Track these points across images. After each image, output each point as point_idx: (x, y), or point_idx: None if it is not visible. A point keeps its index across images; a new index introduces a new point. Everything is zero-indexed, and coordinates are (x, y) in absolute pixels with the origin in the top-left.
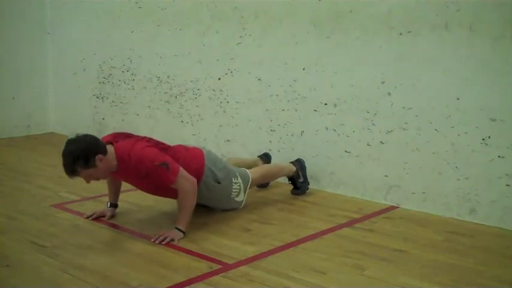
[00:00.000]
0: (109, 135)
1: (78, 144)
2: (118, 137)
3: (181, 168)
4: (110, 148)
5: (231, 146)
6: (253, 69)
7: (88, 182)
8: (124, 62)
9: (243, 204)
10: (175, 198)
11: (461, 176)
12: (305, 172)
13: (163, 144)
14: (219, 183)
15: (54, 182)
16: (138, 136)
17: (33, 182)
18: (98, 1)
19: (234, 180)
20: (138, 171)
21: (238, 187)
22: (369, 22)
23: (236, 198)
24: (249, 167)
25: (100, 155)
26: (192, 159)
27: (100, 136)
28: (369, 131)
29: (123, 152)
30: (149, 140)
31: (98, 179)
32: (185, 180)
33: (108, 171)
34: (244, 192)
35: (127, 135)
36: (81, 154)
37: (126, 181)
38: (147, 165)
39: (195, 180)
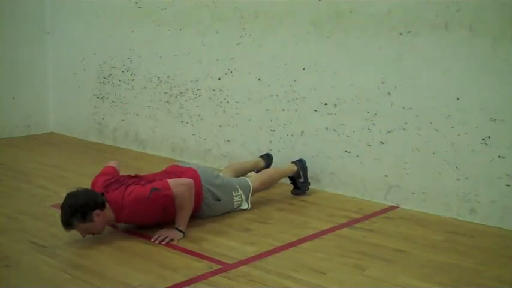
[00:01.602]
0: (99, 182)
1: (77, 199)
2: (108, 187)
3: (169, 180)
4: (107, 202)
5: (231, 146)
6: (253, 69)
7: (84, 236)
8: (124, 62)
9: (249, 208)
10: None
11: (461, 176)
12: (306, 172)
13: (152, 175)
14: (219, 200)
15: (54, 182)
16: (126, 178)
17: (33, 182)
18: (98, 1)
19: (234, 194)
20: (137, 213)
21: (240, 199)
22: (369, 22)
23: (240, 208)
24: (252, 169)
25: (98, 211)
26: None
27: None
28: (369, 131)
29: (116, 203)
30: (139, 180)
31: (93, 233)
32: (179, 185)
33: (105, 225)
34: (247, 201)
35: (116, 183)
36: (79, 209)
37: (131, 223)
38: (143, 203)
39: (190, 180)
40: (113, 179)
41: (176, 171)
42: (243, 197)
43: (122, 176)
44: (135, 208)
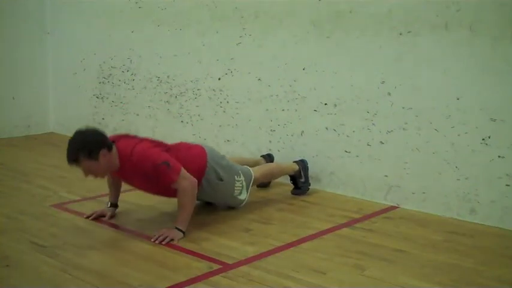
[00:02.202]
0: (112, 135)
1: (86, 135)
2: (121, 137)
3: (182, 169)
4: (114, 149)
5: (231, 146)
6: (253, 69)
7: (86, 175)
8: (124, 62)
9: (245, 201)
10: (175, 197)
11: (461, 176)
12: (307, 173)
13: (165, 144)
14: (221, 180)
15: (54, 182)
16: (141, 137)
17: (33, 182)
18: (98, 1)
19: (236, 178)
20: (139, 171)
21: (241, 185)
22: (369, 22)
23: (239, 196)
24: (251, 167)
25: (104, 150)
26: (195, 158)
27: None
28: (369, 131)
29: (126, 151)
30: (152, 141)
31: (96, 175)
32: (186, 180)
33: (108, 169)
34: (247, 190)
35: (130, 136)
36: (86, 145)
37: (126, 181)
38: (149, 165)
39: (195, 180)
40: (126, 135)
41: (184, 145)
42: (244, 184)
43: (136, 136)
44: (140, 164)
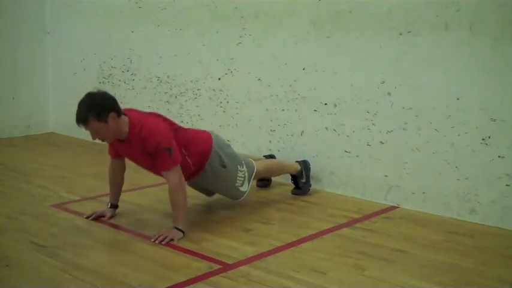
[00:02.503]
0: (126, 108)
1: (97, 96)
2: (134, 110)
3: (179, 164)
4: (124, 117)
5: (231, 146)
6: (253, 69)
7: (94, 138)
8: (124, 62)
9: (246, 194)
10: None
11: (461, 176)
12: (309, 173)
13: (175, 124)
14: (224, 167)
15: (54, 182)
16: (154, 113)
17: (33, 182)
18: (98, 1)
19: (239, 168)
20: (144, 146)
21: (243, 175)
22: (369, 22)
23: (240, 188)
24: None
25: (114, 113)
26: (200, 140)
27: None
28: (369, 131)
29: (137, 121)
30: (165, 119)
31: (103, 139)
32: (176, 174)
33: (116, 134)
34: (249, 182)
35: (144, 112)
36: (96, 105)
37: (128, 154)
38: (154, 143)
39: (183, 179)
40: (137, 110)
41: (192, 130)
42: (247, 174)
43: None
44: (147, 138)
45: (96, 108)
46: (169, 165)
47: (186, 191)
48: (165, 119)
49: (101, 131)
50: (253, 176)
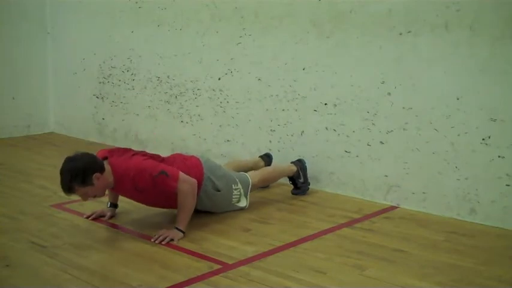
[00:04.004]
0: (104, 150)
1: (76, 163)
2: (113, 153)
3: (180, 172)
4: (105, 165)
5: (231, 146)
6: (253, 69)
7: (85, 200)
8: (124, 62)
9: (246, 207)
10: (175, 207)
11: (461, 176)
12: (306, 172)
13: (158, 156)
14: (218, 191)
15: (54, 182)
16: (133, 150)
17: (33, 182)
18: (98, 1)
19: (234, 187)
20: (136, 185)
21: (239, 193)
22: (369, 22)
23: (238, 204)
24: (251, 169)
25: (97, 173)
26: (190, 170)
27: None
28: (368, 131)
29: (120, 168)
30: (144, 154)
31: (94, 196)
32: (185, 183)
33: (105, 189)
34: (246, 197)
35: (123, 151)
36: (78, 172)
37: (125, 196)
38: (146, 178)
39: (195, 181)
40: (118, 149)
41: (180, 157)
42: (242, 191)
43: (128, 149)
44: (136, 178)
45: (79, 175)
46: (173, 183)
47: (196, 196)
48: (145, 154)
49: (89, 193)
50: (249, 190)
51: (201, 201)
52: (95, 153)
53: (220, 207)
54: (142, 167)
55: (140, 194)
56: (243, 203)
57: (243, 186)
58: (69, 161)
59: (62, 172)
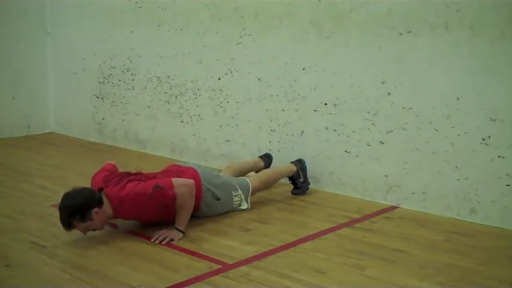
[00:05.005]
0: (98, 177)
1: (74, 200)
2: (108, 182)
3: (172, 179)
4: (105, 201)
5: (231, 146)
6: (253, 69)
7: (85, 234)
8: (124, 62)
9: (248, 209)
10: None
11: (461, 176)
12: (305, 172)
13: (153, 173)
14: (218, 200)
15: (54, 182)
16: (126, 174)
17: (33, 182)
18: (98, 1)
19: (234, 193)
20: (136, 209)
21: (239, 199)
22: (369, 22)
23: (239, 208)
24: (251, 169)
25: (96, 209)
26: None
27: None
28: (368, 131)
29: (116, 199)
30: (139, 178)
31: (95, 229)
32: (181, 186)
33: (105, 222)
34: (247, 201)
35: (118, 179)
36: (77, 209)
37: (127, 219)
38: (144, 200)
39: (191, 181)
40: (113, 174)
41: (176, 170)
42: (243, 196)
43: (122, 172)
44: (135, 203)
45: (78, 212)
46: (169, 192)
47: (194, 197)
48: (140, 177)
49: (89, 227)
50: (249, 195)
51: (203, 212)
52: (89, 187)
53: (222, 213)
54: (137, 192)
55: (141, 214)
56: (244, 206)
57: (243, 192)
58: (67, 198)
59: (61, 209)
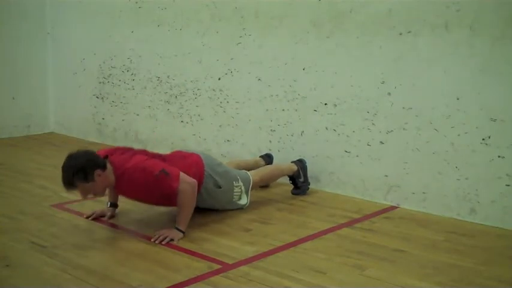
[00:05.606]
0: (105, 149)
1: (78, 159)
2: (114, 152)
3: (181, 172)
4: (109, 167)
5: (231, 146)
6: (253, 69)
7: (84, 197)
8: (124, 62)
9: (246, 205)
10: (173, 205)
11: (461, 176)
12: (306, 172)
13: (160, 155)
14: (219, 187)
15: (54, 182)
16: (134, 149)
17: (33, 182)
18: (98, 1)
19: (235, 184)
20: (137, 184)
21: (240, 190)
22: (369, 22)
23: (238, 202)
24: (251, 168)
25: (99, 170)
26: (191, 167)
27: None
28: (369, 131)
29: (121, 166)
30: (146, 153)
31: (95, 194)
32: (186, 183)
33: (106, 187)
34: (247, 195)
35: (124, 150)
36: (81, 168)
37: (123, 194)
38: (147, 177)
39: (195, 181)
40: (120, 148)
41: (180, 155)
42: (243, 188)
43: (130, 148)
44: (137, 177)
45: (81, 171)
46: (174, 183)
47: (196, 196)
48: (147, 153)
49: (90, 190)
50: (250, 188)
51: (202, 199)
52: (96, 152)
53: (221, 204)
54: (143, 166)
55: (141, 193)
56: (244, 200)
57: (244, 184)
58: (71, 157)
59: (64, 168)
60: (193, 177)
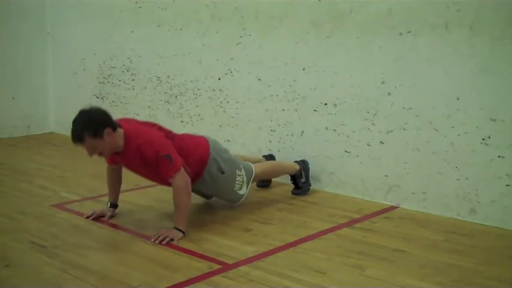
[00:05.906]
0: (121, 118)
1: (91, 114)
2: (130, 121)
3: (182, 166)
4: (120, 130)
5: (231, 146)
6: (253, 69)
7: (91, 155)
8: (124, 62)
9: (244, 197)
10: (169, 185)
11: (461, 176)
12: (308, 173)
13: (171, 132)
14: (222, 173)
15: (54, 182)
16: (149, 122)
17: (33, 182)
18: (98, 1)
19: (238, 172)
20: (142, 156)
21: (242, 179)
22: (369, 22)
23: (239, 191)
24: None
25: (109, 129)
26: (197, 147)
27: None
28: (369, 131)
29: (131, 131)
30: (160, 128)
31: (101, 153)
32: (181, 177)
33: (113, 148)
34: (247, 185)
35: (139, 121)
36: (91, 122)
37: (126, 165)
38: (152, 153)
39: (189, 178)
40: (135, 120)
41: (188, 136)
42: (245, 178)
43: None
44: (145, 149)
45: (92, 125)
46: (171, 172)
47: (191, 194)
48: (160, 128)
49: (97, 147)
50: (251, 179)
51: (204, 182)
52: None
53: (221, 192)
54: (153, 139)
55: (141, 166)
56: (244, 190)
57: (247, 174)
58: (83, 112)
59: (75, 121)
60: (198, 158)
